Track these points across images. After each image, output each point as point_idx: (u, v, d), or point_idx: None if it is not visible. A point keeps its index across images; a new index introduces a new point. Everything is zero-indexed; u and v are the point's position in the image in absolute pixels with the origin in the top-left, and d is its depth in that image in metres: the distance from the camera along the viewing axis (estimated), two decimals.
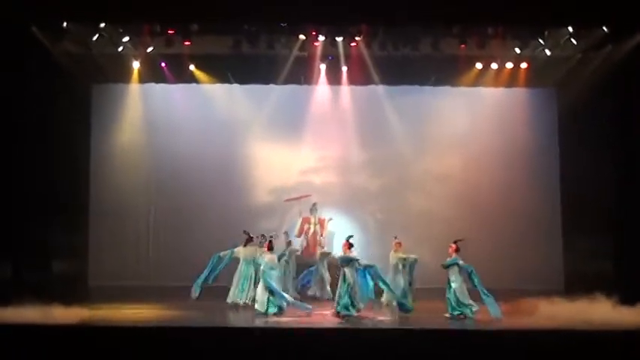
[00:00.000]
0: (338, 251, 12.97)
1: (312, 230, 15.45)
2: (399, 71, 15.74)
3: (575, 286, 14.13)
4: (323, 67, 16.19)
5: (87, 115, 16.55)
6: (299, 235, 15.49)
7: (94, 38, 14.56)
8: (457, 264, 12.20)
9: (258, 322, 11.45)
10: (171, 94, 16.70)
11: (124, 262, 16.38)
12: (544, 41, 14.91)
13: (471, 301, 12.06)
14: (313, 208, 15.61)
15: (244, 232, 13.47)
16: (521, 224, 16.56)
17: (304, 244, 15.41)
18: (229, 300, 13.11)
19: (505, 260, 16.25)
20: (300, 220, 15.71)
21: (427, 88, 16.49)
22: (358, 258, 12.18)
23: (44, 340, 9.61)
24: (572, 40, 14.58)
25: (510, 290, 14.06)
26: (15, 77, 13.27)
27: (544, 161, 16.72)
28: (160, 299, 13.43)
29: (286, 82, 16.13)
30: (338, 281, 12.14)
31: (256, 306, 12.13)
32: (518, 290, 13.91)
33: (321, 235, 15.32)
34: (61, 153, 14.95)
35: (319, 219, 15.66)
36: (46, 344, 9.53)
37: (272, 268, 12.20)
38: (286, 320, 11.61)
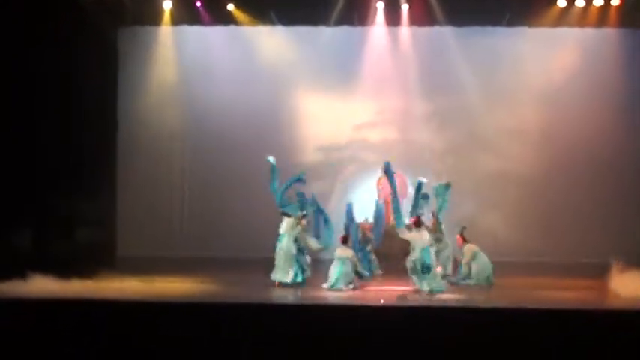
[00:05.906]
0: None
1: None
2: (467, 9, 14.86)
3: None
4: (380, 5, 15.52)
5: (113, 63, 15.67)
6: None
7: None
8: None
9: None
10: (207, 37, 16.13)
11: (155, 230, 15.94)
12: None
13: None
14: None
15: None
16: (607, 188, 15.56)
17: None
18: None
19: (585, 230, 15.34)
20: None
21: (500, 29, 15.59)
22: None
23: (68, 315, 9.21)
24: None
25: (590, 264, 13.28)
26: (36, 22, 12.72)
27: (638, 114, 15.71)
28: (194, 271, 12.94)
29: (338, 23, 15.48)
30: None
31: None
32: (597, 264, 12.53)
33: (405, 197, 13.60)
34: (85, 108, 14.24)
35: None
36: (70, 320, 9.14)
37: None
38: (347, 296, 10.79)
